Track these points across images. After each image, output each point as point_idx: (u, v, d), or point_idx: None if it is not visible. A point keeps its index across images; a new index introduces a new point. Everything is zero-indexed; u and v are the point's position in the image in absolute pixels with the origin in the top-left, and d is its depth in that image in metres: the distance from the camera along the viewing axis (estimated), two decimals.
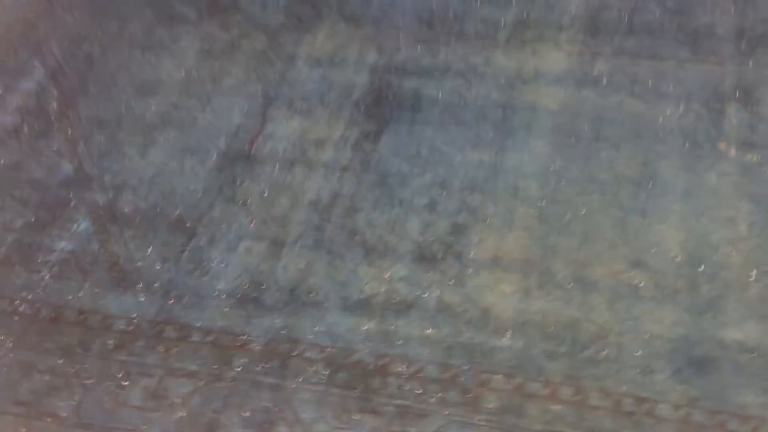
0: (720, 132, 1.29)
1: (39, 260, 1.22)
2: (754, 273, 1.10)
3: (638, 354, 1.03)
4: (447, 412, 0.99)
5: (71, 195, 1.32)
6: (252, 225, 1.25)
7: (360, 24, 1.60)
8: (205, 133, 1.42)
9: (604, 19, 1.52)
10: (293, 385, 1.03)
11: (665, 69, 1.41)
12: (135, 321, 1.12)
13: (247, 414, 1.01)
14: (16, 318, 1.14)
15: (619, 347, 1.03)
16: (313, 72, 1.52)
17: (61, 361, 1.09)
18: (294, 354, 1.07)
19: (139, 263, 1.20)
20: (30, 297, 1.17)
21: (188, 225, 1.25)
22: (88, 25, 1.70)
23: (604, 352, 1.03)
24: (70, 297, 1.16)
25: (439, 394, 1.01)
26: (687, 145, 1.28)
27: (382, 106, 1.43)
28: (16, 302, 1.16)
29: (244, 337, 1.09)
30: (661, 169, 1.25)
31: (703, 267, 1.12)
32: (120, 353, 1.09)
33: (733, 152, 1.26)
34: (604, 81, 1.41)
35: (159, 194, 1.31)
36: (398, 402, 1.01)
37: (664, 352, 1.02)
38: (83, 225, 1.27)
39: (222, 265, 1.19)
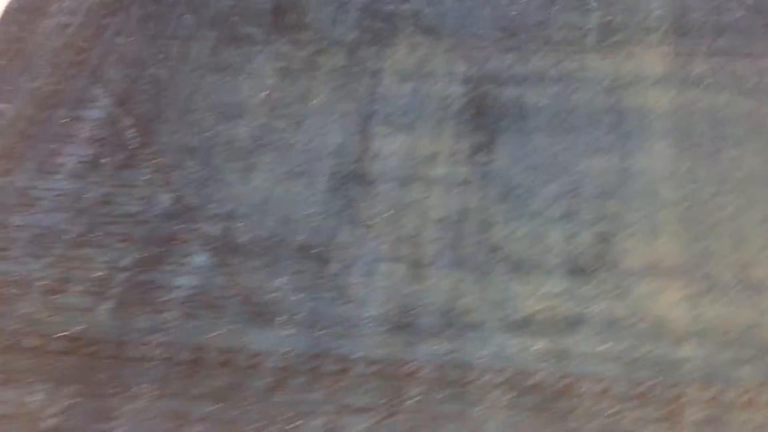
0: None
1: (161, 299, 1.13)
2: None
3: None
4: (649, 430, 0.94)
5: (177, 227, 1.24)
6: (384, 247, 1.18)
7: (439, 35, 1.56)
8: (305, 155, 1.35)
9: (690, 20, 1.52)
10: (478, 413, 0.97)
11: (764, 66, 1.41)
12: (287, 356, 1.05)
13: None
14: (153, 364, 1.05)
15: None
16: (403, 86, 1.47)
17: (215, 407, 1.00)
18: (470, 380, 1.01)
19: (274, 294, 1.13)
20: (162, 340, 1.08)
21: (316, 251, 1.18)
22: (145, 49, 1.62)
23: None
24: (207, 336, 1.08)
25: (635, 412, 0.96)
26: None
27: (487, 117, 1.39)
28: (148, 347, 1.07)
29: (411, 366, 1.03)
30: None
31: None
32: (280, 393, 1.01)
33: None
34: (707, 81, 1.40)
35: (275, 221, 1.24)
36: (594, 423, 0.96)
37: None
38: (200, 258, 1.18)
39: (364, 291, 1.12)
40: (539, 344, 1.04)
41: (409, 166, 1.32)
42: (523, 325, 1.06)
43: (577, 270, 1.13)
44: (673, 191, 1.22)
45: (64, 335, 1.08)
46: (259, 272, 1.16)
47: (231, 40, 1.61)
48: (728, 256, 1.12)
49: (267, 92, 1.49)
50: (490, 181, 1.28)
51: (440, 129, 1.38)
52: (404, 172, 1.31)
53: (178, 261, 1.18)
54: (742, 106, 1.35)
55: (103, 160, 1.39)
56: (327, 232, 1.21)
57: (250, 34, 1.62)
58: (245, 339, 1.07)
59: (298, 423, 0.97)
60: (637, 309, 1.07)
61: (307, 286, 1.13)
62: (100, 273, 1.16)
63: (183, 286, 1.14)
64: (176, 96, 1.51)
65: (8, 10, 1.71)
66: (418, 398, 0.99)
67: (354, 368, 1.03)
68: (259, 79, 1.52)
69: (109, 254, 1.21)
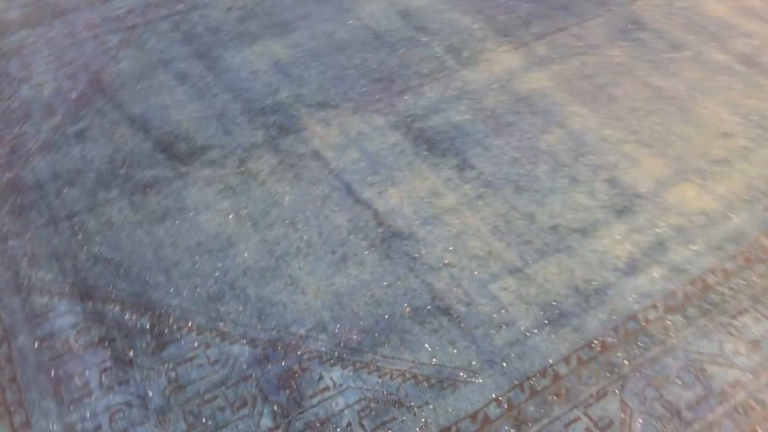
0: None
1: None
2: None
3: None
4: None
5: None
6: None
7: (335, 105, 1.63)
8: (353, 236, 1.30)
9: (501, 22, 1.86)
10: None
11: (576, 31, 1.82)
12: None
13: None
14: None
15: None
16: (350, 153, 1.50)
17: None
18: None
19: None
20: None
21: None
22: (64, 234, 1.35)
23: None
24: None
25: None
26: None
27: (439, 144, 1.51)
28: None
29: None
30: None
31: None
32: None
33: None
34: (552, 55, 1.74)
35: None
36: None
37: None
38: None
39: None
40: None
41: (424, 209, 1.37)
42: None
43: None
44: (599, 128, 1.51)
45: None
46: None
47: (142, 189, 1.44)
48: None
49: (231, 215, 1.38)
50: (494, 182, 1.41)
51: (417, 169, 1.46)
52: (424, 214, 1.36)
53: None
54: (591, 61, 1.71)
55: None
56: None
57: (156, 177, 1.47)
58: None
59: None
60: None
61: None
62: None
63: None
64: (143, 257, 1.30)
65: None
66: None
67: None
68: (212, 209, 1.40)
69: None
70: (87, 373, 1.16)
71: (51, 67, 1.76)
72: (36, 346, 1.19)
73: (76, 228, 1.38)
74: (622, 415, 1.06)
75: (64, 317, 1.23)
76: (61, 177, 1.48)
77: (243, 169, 1.48)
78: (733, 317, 1.17)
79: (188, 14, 1.92)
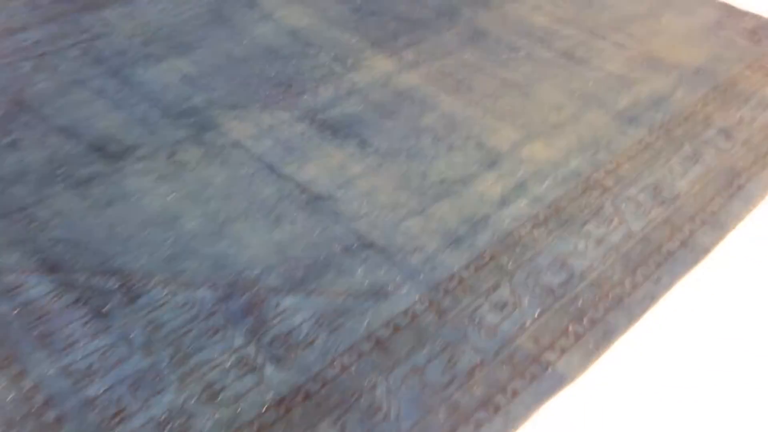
0: None
1: None
2: None
3: None
4: None
5: None
6: None
7: (244, 106, 1.91)
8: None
9: (373, 36, 2.23)
10: None
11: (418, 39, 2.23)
12: None
13: None
14: None
15: None
16: (265, 142, 1.78)
17: None
18: None
19: None
20: None
21: None
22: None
23: None
24: None
25: None
26: None
27: (342, 129, 1.83)
28: None
29: None
30: None
31: None
32: None
33: None
34: (418, 59, 2.13)
35: None
36: None
37: None
38: None
39: None
40: None
41: (338, 177, 1.68)
42: None
43: None
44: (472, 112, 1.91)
45: None
46: None
47: (84, 182, 1.63)
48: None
49: (170, 196, 1.61)
50: (390, 153, 1.75)
51: (325, 149, 1.77)
52: (339, 181, 1.67)
53: None
54: (449, 62, 2.12)
55: None
56: None
57: (94, 172, 1.66)
58: None
59: None
60: None
61: None
62: None
63: None
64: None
65: None
66: None
67: None
68: (152, 193, 1.62)
69: None
70: (70, 326, 1.33)
71: None
72: (15, 313, 1.35)
73: (29, 218, 1.54)
74: (513, 298, 1.41)
75: (37, 288, 1.40)
76: (3, 180, 1.63)
77: (173, 160, 1.71)
78: (581, 226, 1.57)
79: (93, 41, 2.12)
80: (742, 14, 2.36)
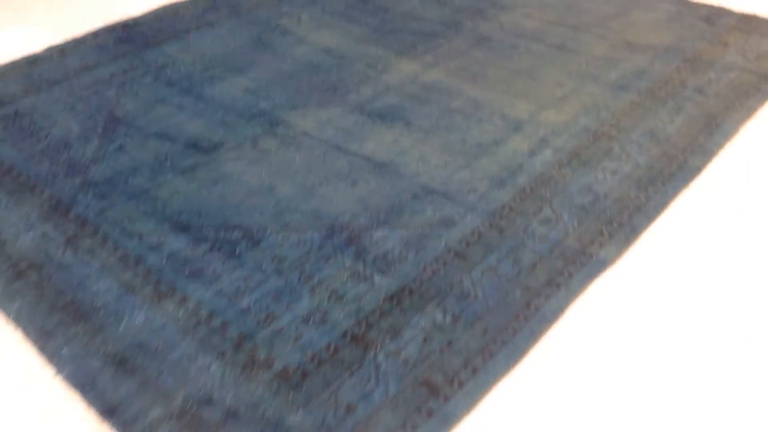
0: None
1: None
2: None
3: None
4: None
5: None
6: None
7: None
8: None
9: (409, 46, 2.67)
10: None
11: (449, 47, 2.67)
12: None
13: None
14: None
15: None
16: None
17: None
18: None
19: None
20: None
21: None
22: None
23: None
24: None
25: None
26: None
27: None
28: None
29: None
30: None
31: None
32: None
33: None
34: (439, 61, 2.57)
35: None
36: None
37: None
38: None
39: None
40: None
41: (386, 152, 2.08)
42: None
43: None
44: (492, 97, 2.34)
45: None
46: None
47: (190, 169, 2.00)
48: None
49: (263, 173, 1.99)
50: (432, 129, 2.16)
51: (378, 130, 2.16)
52: (390, 155, 2.07)
53: None
54: (463, 61, 2.56)
55: None
56: None
57: (195, 162, 2.03)
58: None
59: None
60: None
61: None
62: None
63: None
64: None
65: None
66: None
67: None
68: (247, 173, 1.99)
69: None
70: (211, 266, 1.68)
71: (69, 115, 2.27)
72: (164, 262, 1.70)
73: (153, 198, 1.90)
74: (555, 216, 1.80)
75: (175, 243, 1.75)
76: (122, 173, 2.00)
77: (257, 149, 2.10)
78: (598, 164, 1.98)
79: (161, 71, 2.52)
80: (697, 5, 2.86)
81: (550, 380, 1.42)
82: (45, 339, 1.50)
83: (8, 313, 1.56)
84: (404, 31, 2.77)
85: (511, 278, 1.63)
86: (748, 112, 2.18)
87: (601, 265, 1.66)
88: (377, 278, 1.64)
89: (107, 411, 1.35)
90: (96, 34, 2.76)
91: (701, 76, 2.38)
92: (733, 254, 1.70)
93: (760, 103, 2.23)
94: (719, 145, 2.04)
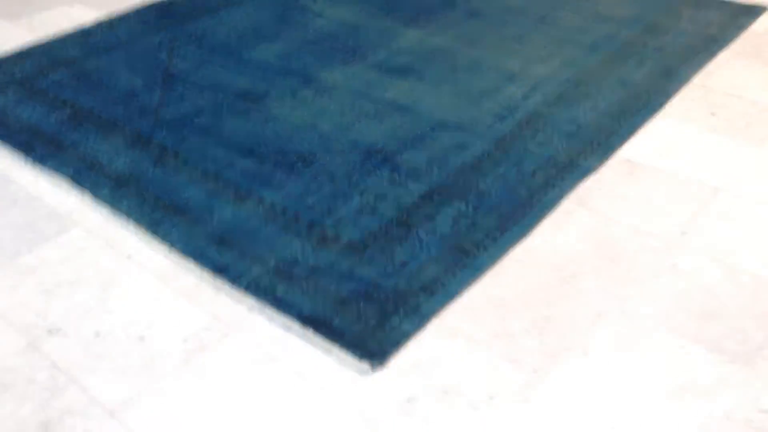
0: None
1: None
2: None
3: None
4: None
5: None
6: None
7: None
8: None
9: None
10: None
11: (448, 18, 3.14)
12: None
13: None
14: None
15: None
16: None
17: None
18: None
19: None
20: None
21: None
22: None
23: None
24: None
25: None
26: None
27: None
28: None
29: None
30: None
31: None
32: None
33: None
34: (446, 29, 3.03)
35: None
36: None
37: None
38: None
39: None
40: None
41: (404, 98, 2.53)
42: None
43: None
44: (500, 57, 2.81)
45: None
46: None
47: (238, 114, 2.42)
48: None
49: (306, 114, 2.42)
50: (442, 81, 2.62)
51: (397, 82, 2.62)
52: (406, 101, 2.52)
53: None
54: (459, 31, 3.02)
55: None
56: None
57: (245, 108, 2.46)
58: None
59: None
60: None
61: None
62: None
63: None
64: None
65: None
66: None
67: None
68: (294, 116, 2.43)
69: None
70: (277, 176, 2.12)
71: (130, 72, 2.67)
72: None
73: (217, 133, 2.32)
74: (547, 137, 2.27)
75: (242, 164, 2.17)
76: (187, 116, 2.41)
77: (296, 98, 2.54)
78: (585, 99, 2.46)
79: (202, 39, 2.94)
80: None
81: (550, 250, 1.87)
82: (155, 226, 1.92)
83: (119, 209, 1.97)
84: (407, 8, 3.23)
85: (516, 182, 2.09)
86: (698, 65, 2.69)
87: (586, 171, 2.13)
88: (411, 184, 2.08)
89: (218, 269, 1.77)
90: (138, 11, 3.17)
91: (660, 39, 2.88)
92: (690, 165, 2.19)
93: (708, 58, 2.73)
94: (675, 89, 2.53)
